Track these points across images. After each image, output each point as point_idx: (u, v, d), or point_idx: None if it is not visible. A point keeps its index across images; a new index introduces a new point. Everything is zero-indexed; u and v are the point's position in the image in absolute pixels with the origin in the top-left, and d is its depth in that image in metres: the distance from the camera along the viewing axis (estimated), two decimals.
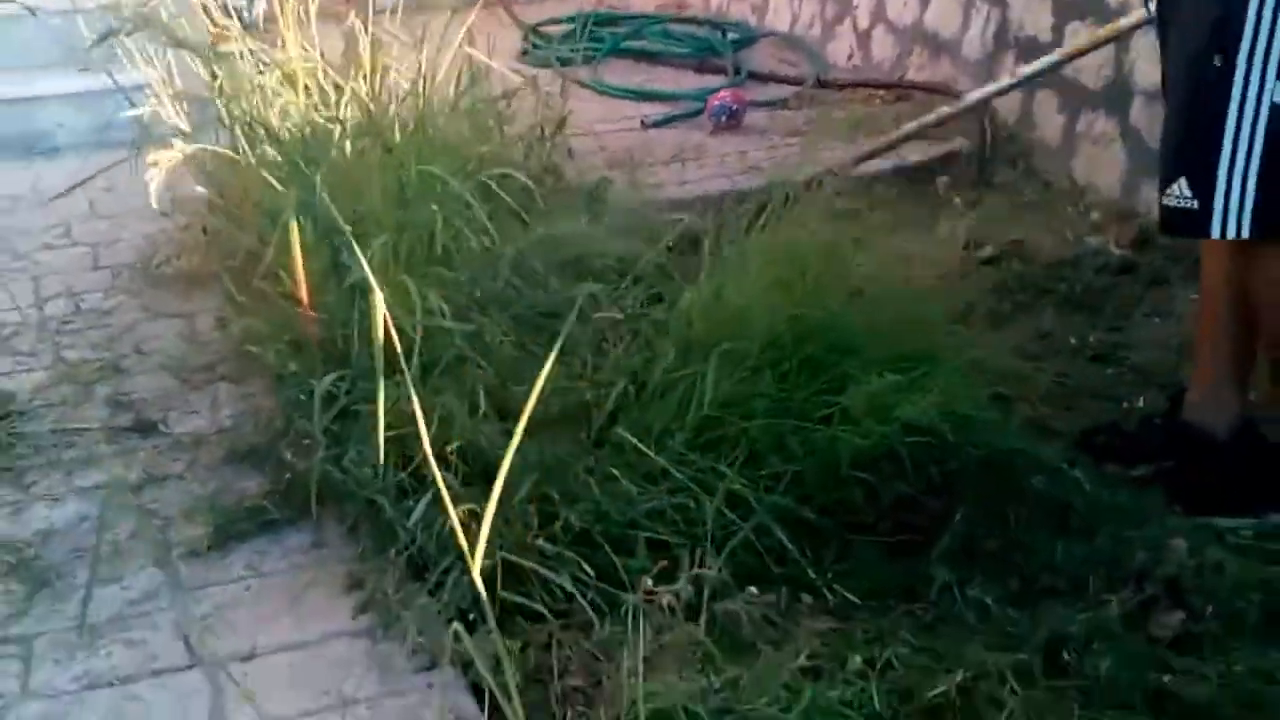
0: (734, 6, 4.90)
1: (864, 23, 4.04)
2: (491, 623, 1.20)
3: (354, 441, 1.78)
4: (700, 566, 1.45)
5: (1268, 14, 1.60)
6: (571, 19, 4.77)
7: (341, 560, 1.71)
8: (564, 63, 4.32)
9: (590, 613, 1.48)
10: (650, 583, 1.43)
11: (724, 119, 3.67)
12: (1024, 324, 2.42)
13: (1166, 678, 1.44)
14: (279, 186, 2.05)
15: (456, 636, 1.26)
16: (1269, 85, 1.61)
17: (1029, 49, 3.23)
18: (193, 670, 1.53)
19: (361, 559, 1.68)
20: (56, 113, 3.42)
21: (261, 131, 2.27)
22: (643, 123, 3.78)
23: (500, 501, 1.11)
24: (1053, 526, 1.73)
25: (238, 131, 2.41)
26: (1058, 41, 3.11)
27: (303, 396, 1.93)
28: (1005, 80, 2.64)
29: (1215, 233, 1.67)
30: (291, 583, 1.69)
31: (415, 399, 1.20)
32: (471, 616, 1.45)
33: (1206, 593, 1.56)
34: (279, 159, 2.17)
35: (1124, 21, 2.38)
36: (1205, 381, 1.89)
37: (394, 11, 2.77)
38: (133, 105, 2.58)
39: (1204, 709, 1.41)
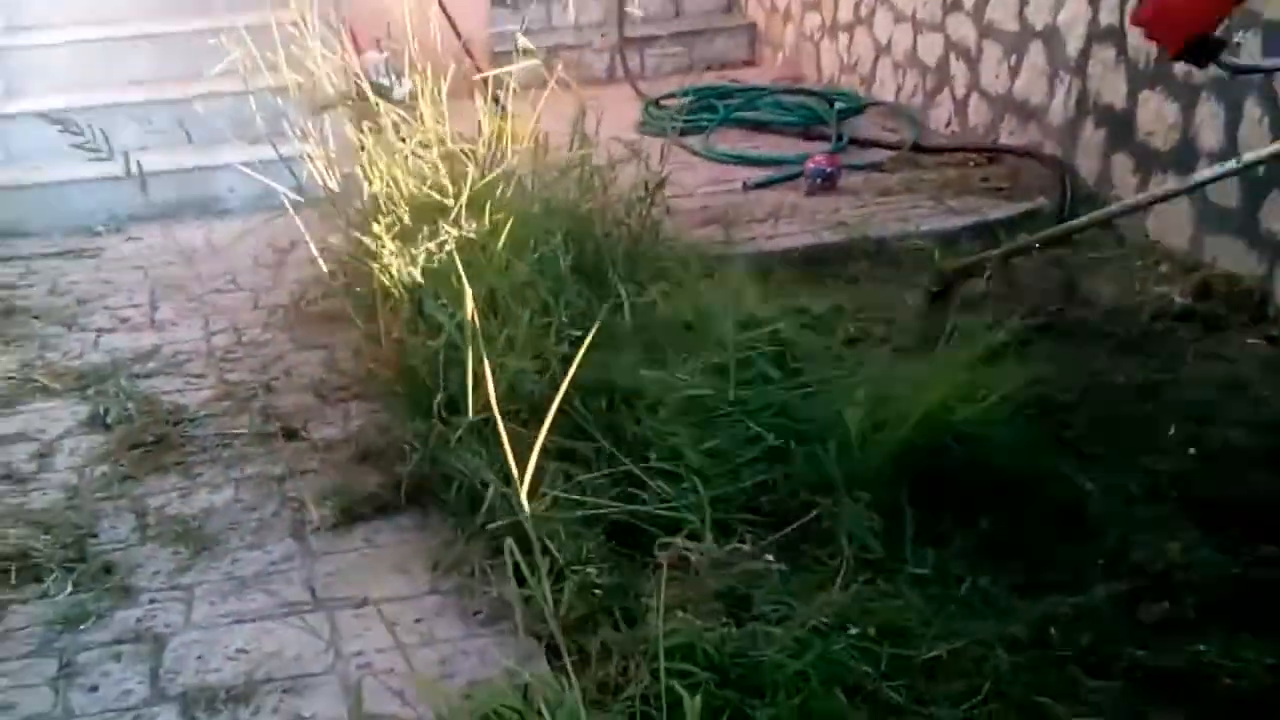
0: (844, 78, 5.19)
1: (960, 92, 4.27)
2: (542, 571, 1.49)
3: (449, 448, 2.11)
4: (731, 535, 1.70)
5: None
6: (690, 92, 5.15)
7: (439, 536, 2.04)
8: (679, 133, 4.71)
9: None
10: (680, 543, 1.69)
11: (819, 181, 3.95)
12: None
13: (1142, 652, 1.61)
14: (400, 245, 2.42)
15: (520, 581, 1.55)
16: None
17: (1106, 115, 3.40)
18: (316, 612, 1.88)
19: (455, 536, 2.00)
20: (229, 179, 3.96)
21: (394, 189, 2.67)
22: (744, 185, 4.08)
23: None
24: (1068, 531, 1.91)
25: (377, 189, 2.82)
26: (1132, 109, 3.28)
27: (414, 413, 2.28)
28: (1173, 185, 2.65)
29: None
30: (398, 553, 2.04)
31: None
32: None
33: (1192, 586, 1.72)
34: (404, 218, 2.55)
35: None
36: None
37: (526, 88, 3.14)
38: (292, 173, 3.03)
39: (1170, 677, 1.58)
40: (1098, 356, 2.62)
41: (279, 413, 2.61)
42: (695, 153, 4.49)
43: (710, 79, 5.55)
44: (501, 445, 1.71)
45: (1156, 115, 3.18)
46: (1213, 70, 2.91)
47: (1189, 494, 2.04)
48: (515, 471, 1.66)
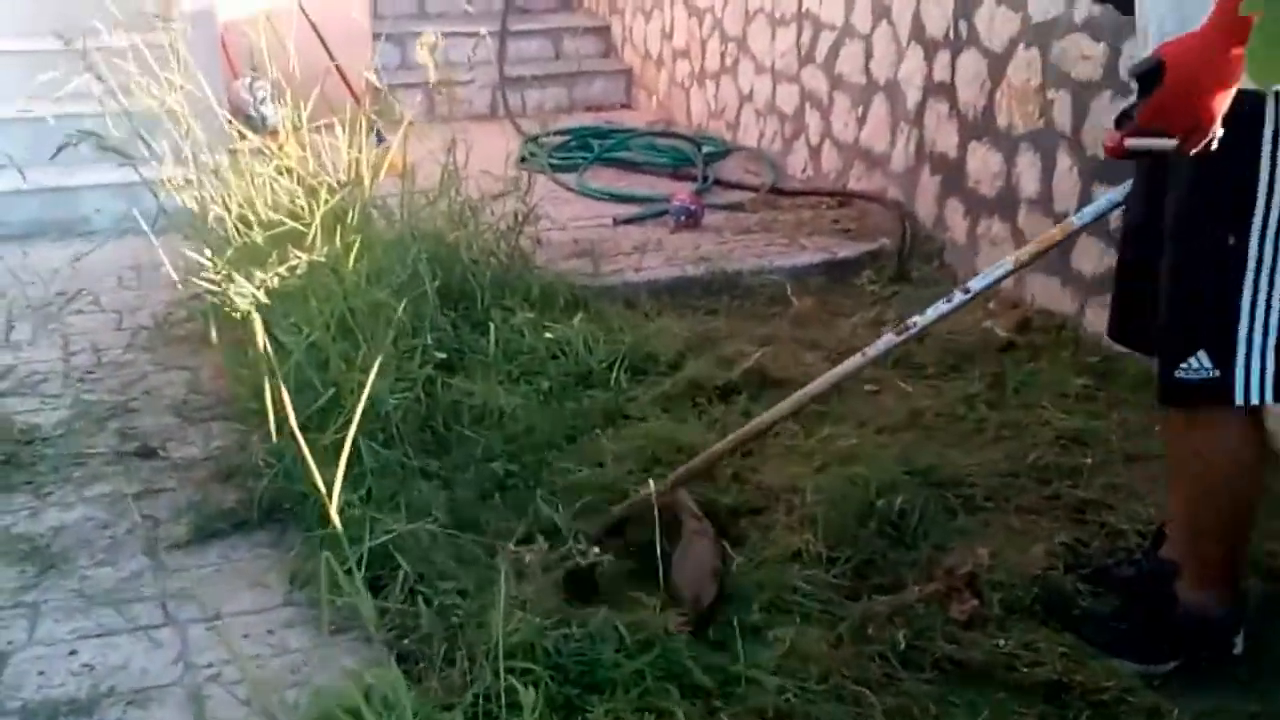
0: (712, 123, 5.41)
1: (815, 139, 4.52)
2: (359, 584, 1.56)
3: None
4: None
5: (1279, 193, 1.60)
6: (568, 131, 5.30)
7: (295, 551, 2.08)
8: (555, 168, 4.85)
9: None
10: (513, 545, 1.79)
11: (683, 218, 4.12)
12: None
13: (951, 647, 1.77)
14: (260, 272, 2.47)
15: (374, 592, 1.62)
16: None
17: (940, 163, 3.68)
18: (165, 628, 1.90)
19: (312, 551, 2.05)
20: (94, 199, 3.90)
21: (250, 215, 2.71)
22: (614, 220, 4.23)
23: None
24: (890, 539, 2.08)
25: (233, 209, 2.85)
26: (963, 158, 3.55)
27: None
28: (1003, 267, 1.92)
29: (1239, 399, 1.68)
30: (254, 568, 2.07)
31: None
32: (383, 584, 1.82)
33: (997, 585, 1.90)
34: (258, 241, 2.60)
35: (1075, 221, 2.04)
36: (1179, 524, 1.88)
37: (412, 122, 3.21)
38: (155, 195, 3.04)
39: (976, 669, 1.75)
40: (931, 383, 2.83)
41: (137, 433, 2.60)
42: (569, 188, 4.63)
43: (588, 119, 5.73)
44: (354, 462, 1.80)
45: (983, 164, 3.46)
46: (1030, 124, 3.22)
47: (1003, 506, 2.24)
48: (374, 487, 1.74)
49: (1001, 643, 1.80)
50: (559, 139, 5.21)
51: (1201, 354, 1.70)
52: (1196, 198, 1.68)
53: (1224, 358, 1.68)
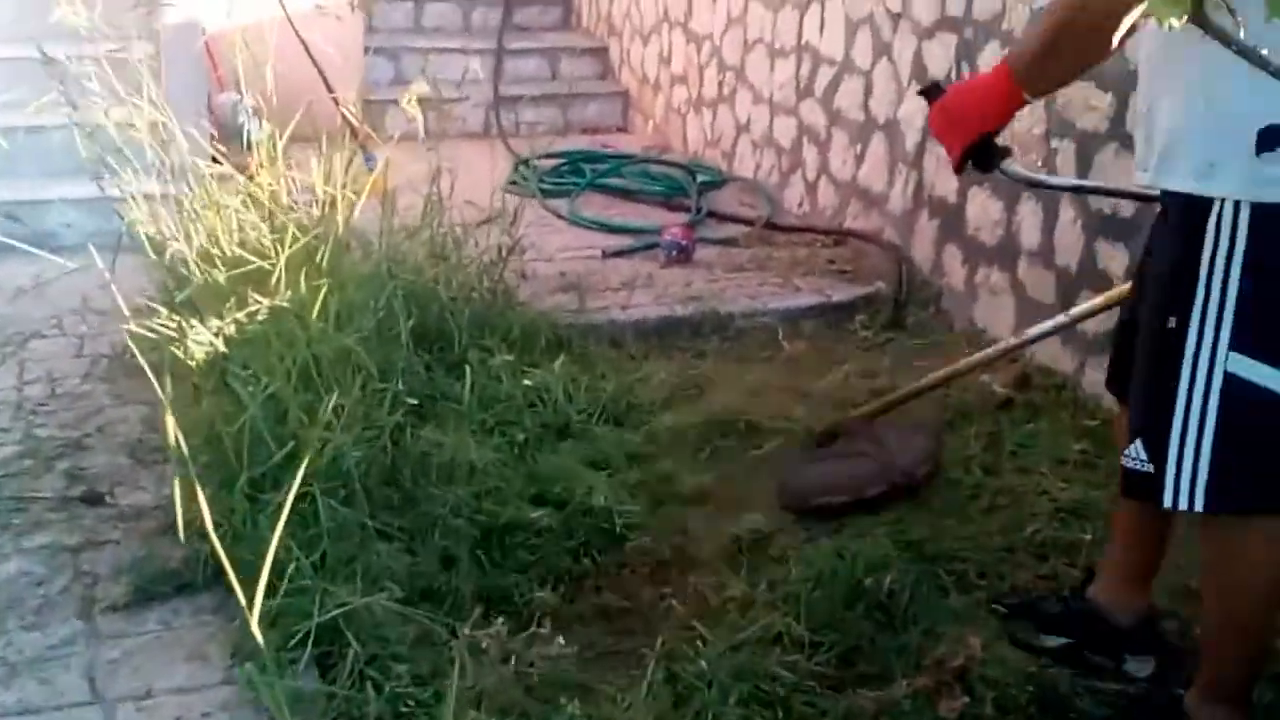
0: (708, 152, 5.30)
1: (811, 175, 4.41)
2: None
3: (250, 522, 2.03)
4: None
5: (1218, 275, 1.49)
6: (560, 154, 5.18)
7: (239, 619, 1.93)
8: (546, 194, 4.72)
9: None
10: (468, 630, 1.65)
11: (674, 253, 4.00)
12: None
13: None
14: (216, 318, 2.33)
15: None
16: (1221, 352, 1.50)
17: (939, 207, 3.56)
18: (92, 706, 1.75)
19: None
20: (66, 214, 3.77)
21: (213, 251, 2.58)
22: (603, 253, 4.10)
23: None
24: (879, 622, 1.95)
25: (195, 242, 2.72)
26: (962, 204, 3.44)
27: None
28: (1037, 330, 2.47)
29: (1168, 502, 1.56)
30: (194, 637, 1.92)
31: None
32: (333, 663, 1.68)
33: (990, 682, 1.77)
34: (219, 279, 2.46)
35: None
36: (1117, 569, 1.93)
37: (399, 140, 3.07)
38: (120, 215, 2.90)
39: None
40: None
41: (87, 474, 2.46)
42: (560, 216, 4.51)
43: (584, 142, 5.61)
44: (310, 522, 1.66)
45: (983, 211, 3.34)
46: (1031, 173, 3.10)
47: (996, 585, 2.11)
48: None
49: None
50: (551, 162, 5.09)
51: (1139, 443, 1.60)
52: (1154, 277, 1.66)
53: (1158, 452, 1.56)
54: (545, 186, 4.77)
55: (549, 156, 5.13)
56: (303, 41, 4.41)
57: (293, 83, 3.20)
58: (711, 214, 4.53)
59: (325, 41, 4.59)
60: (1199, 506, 1.55)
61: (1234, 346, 1.50)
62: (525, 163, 5.08)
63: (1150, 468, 1.58)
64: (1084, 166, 2.89)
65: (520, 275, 3.48)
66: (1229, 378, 1.50)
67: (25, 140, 3.69)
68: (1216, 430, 1.52)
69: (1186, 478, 1.54)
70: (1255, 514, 1.57)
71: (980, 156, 1.76)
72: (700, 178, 4.86)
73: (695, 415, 2.81)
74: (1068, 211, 2.98)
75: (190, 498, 2.23)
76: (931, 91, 1.82)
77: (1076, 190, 2.75)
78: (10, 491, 2.38)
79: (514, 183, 4.87)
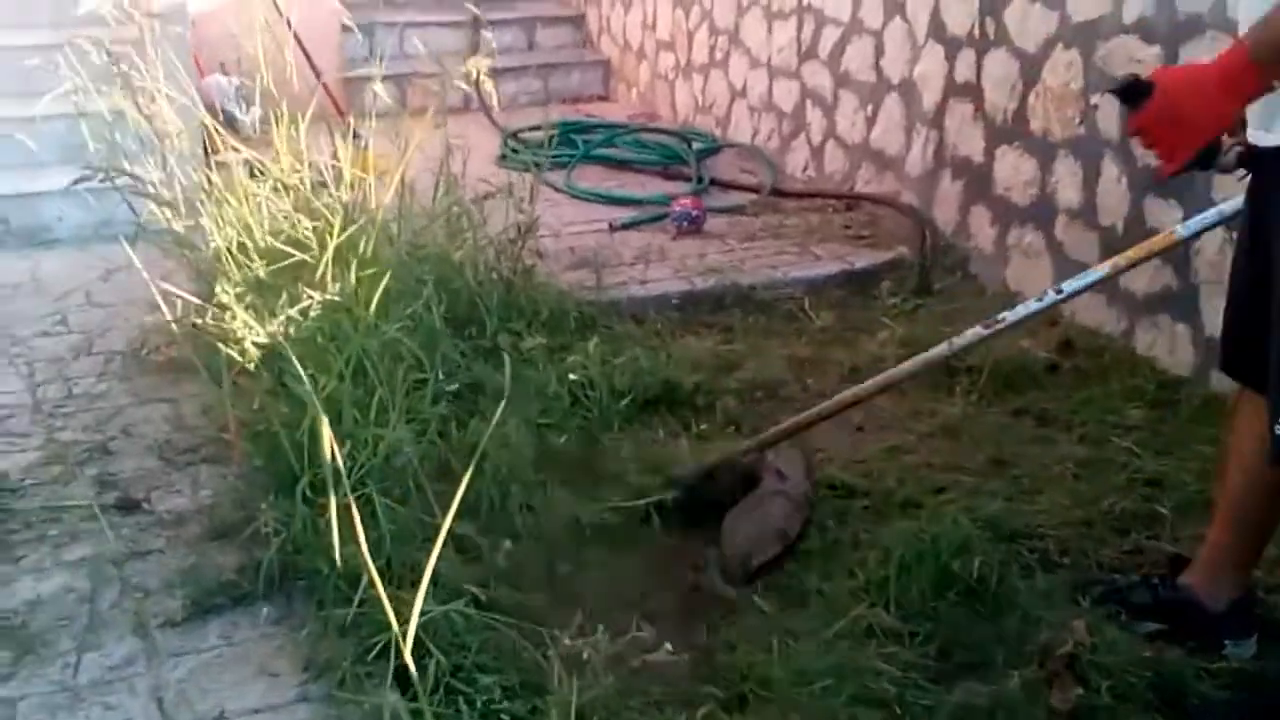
0: (699, 118, 5.19)
1: (817, 139, 4.32)
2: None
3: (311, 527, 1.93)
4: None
5: None
6: (549, 126, 5.03)
7: (308, 630, 1.85)
8: (540, 167, 4.59)
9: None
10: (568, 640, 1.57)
11: (685, 224, 3.91)
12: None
13: None
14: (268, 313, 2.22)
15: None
16: None
17: (963, 168, 3.49)
18: None
19: (325, 630, 1.82)
20: (58, 207, 3.60)
21: (246, 238, 2.45)
22: (611, 225, 4.00)
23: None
24: (971, 608, 1.89)
25: (228, 233, 2.59)
26: (989, 163, 3.38)
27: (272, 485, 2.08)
28: (1050, 296, 2.01)
29: None
30: (260, 651, 1.82)
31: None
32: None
33: (1103, 669, 1.71)
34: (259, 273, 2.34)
35: (1182, 231, 1.94)
36: (1212, 551, 1.88)
37: (382, 116, 2.95)
38: (130, 206, 2.76)
39: None
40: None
41: (118, 480, 2.34)
42: (558, 189, 4.39)
43: (566, 112, 5.48)
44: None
45: (1014, 171, 3.28)
46: (1069, 130, 3.04)
47: (1079, 563, 2.06)
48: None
49: None
50: (539, 135, 4.96)
51: None
52: None
53: None
54: (538, 160, 4.64)
55: (535, 129, 4.99)
56: (288, 22, 4.25)
57: (277, 64, 3.06)
58: (714, 182, 4.43)
59: (303, 20, 4.43)
60: None
61: None
62: (514, 136, 4.96)
63: None
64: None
65: (536, 254, 3.38)
66: None
67: (13, 130, 3.52)
68: None
69: None
70: None
71: (1203, 156, 1.57)
72: (696, 144, 4.76)
73: (738, 393, 2.73)
74: (1111, 169, 2.92)
75: (242, 499, 2.15)
76: (1135, 90, 1.53)
77: None
78: (40, 500, 2.26)
79: (504, 157, 4.76)
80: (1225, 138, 1.59)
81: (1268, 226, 1.63)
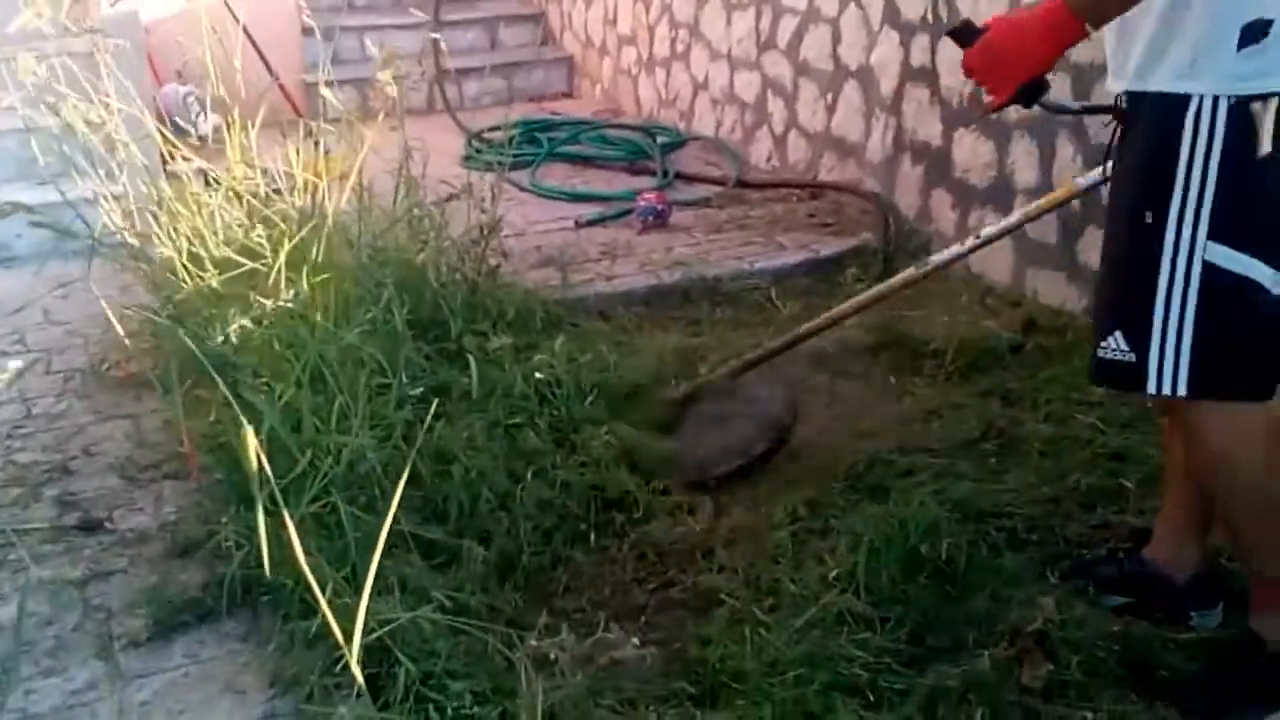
0: (663, 112, 5.18)
1: (779, 129, 4.32)
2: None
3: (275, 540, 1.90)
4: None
5: (1196, 171, 1.55)
6: (512, 125, 5.01)
7: (274, 645, 1.82)
8: (503, 166, 4.57)
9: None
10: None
11: (651, 218, 3.90)
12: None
13: None
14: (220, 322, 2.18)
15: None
16: (1200, 243, 1.56)
17: (923, 152, 3.50)
18: None
19: (291, 644, 1.80)
20: (16, 225, 3.55)
21: (200, 247, 2.42)
22: (576, 222, 3.98)
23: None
24: (941, 589, 1.89)
25: (181, 245, 2.56)
26: (948, 146, 3.38)
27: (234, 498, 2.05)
28: (970, 242, 2.36)
29: (1151, 388, 1.61)
30: (227, 669, 1.80)
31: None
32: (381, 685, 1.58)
33: (1072, 644, 1.72)
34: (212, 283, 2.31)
35: (1081, 181, 2.20)
36: (1169, 523, 1.92)
37: (339, 121, 2.92)
38: (83, 220, 2.72)
39: None
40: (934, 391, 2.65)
41: (79, 500, 2.31)
42: (522, 188, 4.37)
43: (530, 111, 5.46)
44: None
45: (972, 153, 3.28)
46: (1025, 111, 3.04)
47: (1046, 540, 2.07)
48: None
49: (1089, 716, 1.61)
50: (504, 134, 4.93)
51: (1119, 334, 1.65)
52: (1125, 176, 1.69)
53: (1139, 341, 1.62)
54: (502, 159, 4.62)
55: (496, 129, 4.97)
56: (245, 29, 4.20)
57: (228, 70, 3.02)
58: (679, 175, 4.42)
59: (260, 25, 4.39)
60: (1182, 391, 1.61)
61: (1212, 236, 1.57)
62: (478, 136, 4.94)
63: (1132, 357, 1.63)
64: (1082, 101, 2.83)
65: (500, 253, 3.36)
66: (1208, 266, 1.58)
67: None
68: (1196, 318, 1.59)
69: (1170, 364, 1.60)
70: (1229, 400, 1.63)
71: (1022, 97, 1.72)
72: (660, 139, 4.75)
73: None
74: (1066, 148, 2.93)
75: (205, 514, 2.12)
76: (965, 32, 1.73)
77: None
78: (1, 524, 2.22)
79: (468, 158, 4.74)
80: (1050, 78, 1.73)
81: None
